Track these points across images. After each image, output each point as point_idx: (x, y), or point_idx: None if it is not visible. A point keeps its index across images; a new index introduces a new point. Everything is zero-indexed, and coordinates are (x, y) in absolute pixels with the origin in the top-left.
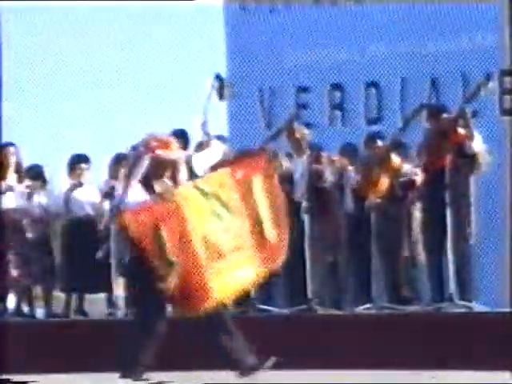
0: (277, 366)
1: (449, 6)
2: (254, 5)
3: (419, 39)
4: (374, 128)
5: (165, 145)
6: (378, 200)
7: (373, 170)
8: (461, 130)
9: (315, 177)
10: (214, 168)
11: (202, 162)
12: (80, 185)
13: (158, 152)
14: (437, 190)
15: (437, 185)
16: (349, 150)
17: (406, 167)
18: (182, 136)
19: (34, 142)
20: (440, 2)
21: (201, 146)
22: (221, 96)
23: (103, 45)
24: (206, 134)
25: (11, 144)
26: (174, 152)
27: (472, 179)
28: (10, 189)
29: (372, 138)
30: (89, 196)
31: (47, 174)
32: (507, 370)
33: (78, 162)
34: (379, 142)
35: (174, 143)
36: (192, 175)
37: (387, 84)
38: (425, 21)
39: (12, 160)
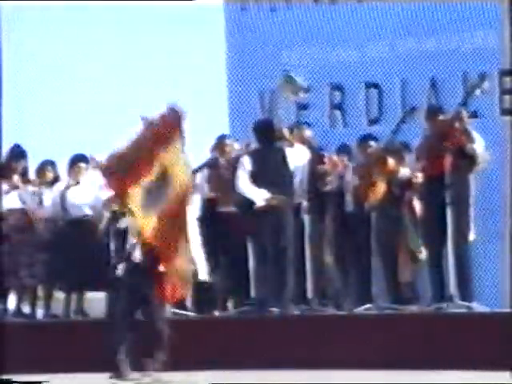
0: (277, 366)
1: (449, 5)
2: (254, 4)
3: (420, 39)
4: (375, 128)
5: None
6: (377, 202)
7: (370, 173)
8: (458, 132)
9: (317, 178)
10: None
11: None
12: (76, 183)
13: None
14: (437, 191)
15: (437, 186)
16: (345, 151)
17: (403, 171)
18: None
19: (33, 142)
20: (440, 2)
21: None
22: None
23: (103, 45)
24: None
25: (24, 155)
26: None
27: (472, 180)
28: (14, 188)
29: (365, 140)
30: (86, 195)
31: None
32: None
33: (76, 161)
34: (372, 144)
35: None
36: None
37: (387, 84)
38: (425, 20)
39: (19, 167)
